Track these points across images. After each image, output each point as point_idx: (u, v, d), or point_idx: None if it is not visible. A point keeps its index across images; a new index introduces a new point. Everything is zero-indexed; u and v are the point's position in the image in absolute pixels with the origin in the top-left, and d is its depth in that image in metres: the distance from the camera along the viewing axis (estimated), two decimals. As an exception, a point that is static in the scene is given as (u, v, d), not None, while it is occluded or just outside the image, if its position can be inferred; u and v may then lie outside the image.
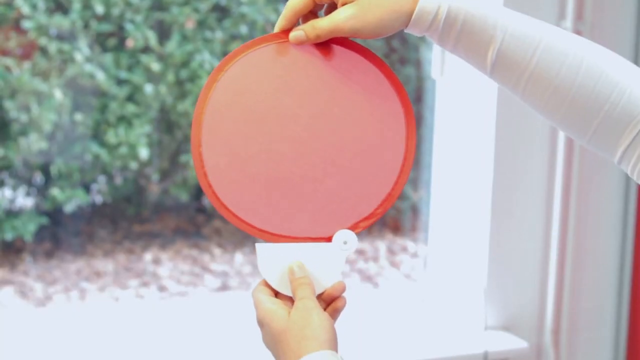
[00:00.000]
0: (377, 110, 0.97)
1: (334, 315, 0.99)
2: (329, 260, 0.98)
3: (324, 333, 0.93)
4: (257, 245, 0.99)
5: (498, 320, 2.20)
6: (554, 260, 2.21)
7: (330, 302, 1.00)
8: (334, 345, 0.94)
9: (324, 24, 0.94)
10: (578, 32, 2.13)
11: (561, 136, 2.16)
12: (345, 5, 0.93)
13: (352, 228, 0.98)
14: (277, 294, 0.99)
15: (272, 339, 0.95)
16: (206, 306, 2.45)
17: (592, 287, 2.28)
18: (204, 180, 0.97)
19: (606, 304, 2.30)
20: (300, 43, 0.96)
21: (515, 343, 2.18)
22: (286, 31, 0.97)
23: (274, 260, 0.98)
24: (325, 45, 0.97)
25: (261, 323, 0.97)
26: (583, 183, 2.21)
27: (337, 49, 0.97)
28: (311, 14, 0.98)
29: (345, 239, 0.98)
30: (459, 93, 2.21)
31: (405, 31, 0.95)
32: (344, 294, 1.00)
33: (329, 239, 0.98)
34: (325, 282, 0.99)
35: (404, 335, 2.20)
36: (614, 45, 2.19)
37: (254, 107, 0.96)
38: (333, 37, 0.95)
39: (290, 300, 0.99)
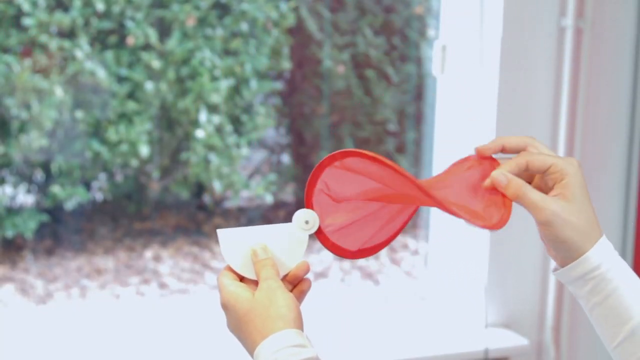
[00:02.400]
0: None
1: (300, 297, 0.99)
2: (291, 241, 0.97)
3: (289, 312, 0.93)
4: (218, 230, 0.98)
5: (499, 318, 2.20)
6: (554, 257, 2.21)
7: (295, 284, 0.99)
8: (299, 324, 0.93)
9: (532, 196, 0.95)
10: (579, 29, 2.13)
11: (562, 134, 2.16)
12: (560, 198, 0.95)
13: None
14: (242, 278, 0.98)
15: (237, 321, 0.95)
16: (207, 303, 2.45)
17: (593, 285, 2.28)
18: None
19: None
20: (497, 185, 0.97)
21: (516, 340, 2.18)
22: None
23: (237, 244, 0.97)
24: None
25: (225, 306, 0.96)
26: (584, 180, 2.21)
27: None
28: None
29: (307, 219, 0.98)
30: (459, 90, 2.21)
31: (556, 273, 0.97)
32: (309, 275, 0.99)
33: None
34: (289, 263, 0.98)
35: (404, 333, 2.20)
36: (615, 43, 2.19)
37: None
38: (524, 206, 0.97)
39: (255, 283, 0.97)
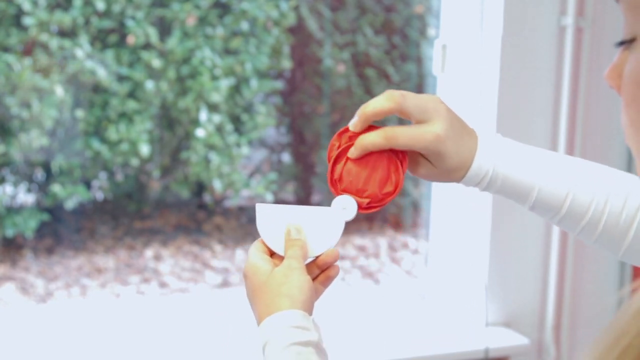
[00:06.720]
0: None
1: (326, 282, 1.00)
2: (327, 225, 0.99)
3: (299, 294, 0.94)
4: (257, 205, 1.00)
5: (499, 317, 2.20)
6: (555, 256, 2.21)
7: (323, 269, 1.00)
8: (308, 307, 0.95)
9: (403, 137, 0.95)
10: (579, 28, 2.13)
11: (562, 132, 2.16)
12: (431, 124, 0.95)
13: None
14: (272, 254, 1.00)
15: (252, 292, 0.97)
16: (207, 302, 2.45)
17: (593, 284, 2.28)
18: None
19: (607, 301, 2.30)
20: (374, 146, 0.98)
21: (516, 339, 2.18)
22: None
23: (273, 220, 1.00)
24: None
25: (245, 275, 0.98)
26: (584, 179, 2.21)
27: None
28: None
29: (345, 205, 0.99)
30: (460, 89, 2.21)
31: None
32: (337, 263, 1.01)
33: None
34: (321, 247, 0.99)
35: (404, 332, 2.20)
36: (615, 42, 2.19)
37: None
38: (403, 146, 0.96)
39: (283, 260, 0.99)
